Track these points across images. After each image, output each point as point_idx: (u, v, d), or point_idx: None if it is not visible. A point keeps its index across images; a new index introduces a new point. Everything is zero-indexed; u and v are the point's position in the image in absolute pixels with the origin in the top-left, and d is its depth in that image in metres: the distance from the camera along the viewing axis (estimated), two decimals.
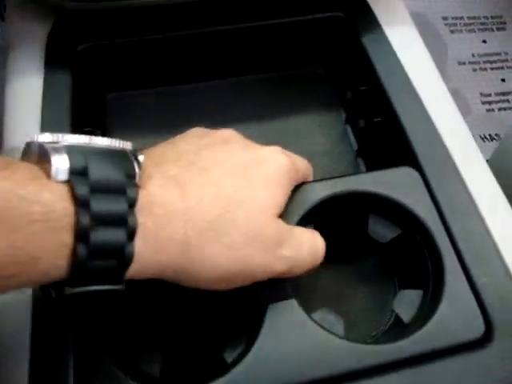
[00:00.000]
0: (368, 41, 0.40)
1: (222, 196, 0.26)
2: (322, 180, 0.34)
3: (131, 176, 0.24)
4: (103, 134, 0.42)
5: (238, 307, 0.33)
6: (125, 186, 0.23)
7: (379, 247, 0.35)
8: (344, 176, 0.34)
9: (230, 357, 0.30)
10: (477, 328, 0.29)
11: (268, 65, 0.45)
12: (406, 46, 0.40)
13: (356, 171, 0.41)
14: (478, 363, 0.28)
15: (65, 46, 0.39)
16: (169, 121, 0.43)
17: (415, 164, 0.35)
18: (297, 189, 0.32)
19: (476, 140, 0.74)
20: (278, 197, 0.28)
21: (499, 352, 0.28)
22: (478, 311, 0.29)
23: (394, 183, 0.34)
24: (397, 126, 0.37)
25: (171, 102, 0.44)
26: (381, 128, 0.39)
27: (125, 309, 0.31)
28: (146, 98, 0.44)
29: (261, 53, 0.44)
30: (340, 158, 0.42)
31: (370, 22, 0.41)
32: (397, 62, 0.39)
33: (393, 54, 0.39)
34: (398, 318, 0.32)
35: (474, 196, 0.33)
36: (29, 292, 0.29)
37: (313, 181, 0.34)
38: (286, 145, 0.43)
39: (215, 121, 0.43)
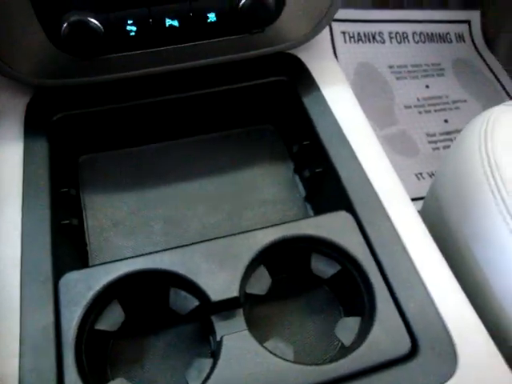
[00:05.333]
0: (308, 101, 0.46)
1: None
2: (269, 226, 0.39)
3: None
4: (77, 193, 0.46)
5: (200, 338, 0.37)
6: None
7: (323, 282, 0.40)
8: (289, 222, 0.39)
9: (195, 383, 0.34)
10: (404, 345, 0.34)
11: (226, 124, 0.51)
12: (340, 103, 0.46)
13: (305, 215, 0.47)
14: (407, 375, 0.33)
15: (41, 116, 0.44)
16: (136, 177, 0.49)
17: (350, 208, 0.40)
18: (247, 234, 0.38)
19: (425, 177, 0.81)
20: None
21: (424, 364, 0.33)
22: (404, 331, 0.35)
23: (331, 226, 0.39)
24: (334, 175, 0.42)
25: (138, 160, 0.50)
26: (322, 177, 0.45)
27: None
28: (114, 158, 0.50)
29: (219, 114, 0.50)
30: (290, 204, 0.48)
31: (309, 84, 0.47)
32: (333, 118, 0.45)
33: (329, 111, 0.45)
34: (342, 344, 0.37)
35: (401, 234, 0.39)
36: None
37: (261, 227, 0.39)
38: (243, 195, 0.48)
39: (179, 176, 0.49)
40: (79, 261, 0.43)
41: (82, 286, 0.36)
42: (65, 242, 0.41)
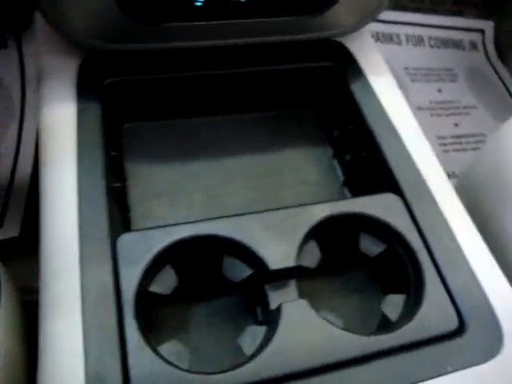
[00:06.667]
0: (355, 88, 0.47)
1: None
2: (323, 202, 0.40)
3: None
4: (121, 159, 0.47)
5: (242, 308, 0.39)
6: None
7: (368, 261, 0.41)
8: (340, 200, 0.41)
9: (249, 349, 0.35)
10: (452, 322, 0.36)
11: (264, 105, 0.52)
12: (386, 92, 0.48)
13: (342, 198, 0.48)
14: (456, 349, 0.34)
15: (94, 79, 0.44)
16: (178, 149, 0.49)
17: (397, 190, 0.42)
18: (303, 208, 0.39)
19: None
20: None
21: (471, 340, 0.35)
22: (452, 308, 0.36)
23: (380, 206, 0.40)
24: (381, 159, 0.43)
25: (179, 132, 0.50)
26: (366, 161, 0.46)
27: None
28: (156, 128, 0.50)
29: (259, 94, 0.51)
30: (329, 187, 0.49)
31: (356, 72, 0.48)
32: (379, 106, 0.46)
33: (376, 99, 0.47)
34: (385, 319, 0.38)
35: (446, 216, 0.40)
36: None
37: (316, 202, 0.40)
38: (278, 174, 0.49)
39: (219, 151, 0.50)
40: (123, 226, 0.43)
41: (141, 246, 0.36)
42: (114, 206, 0.41)
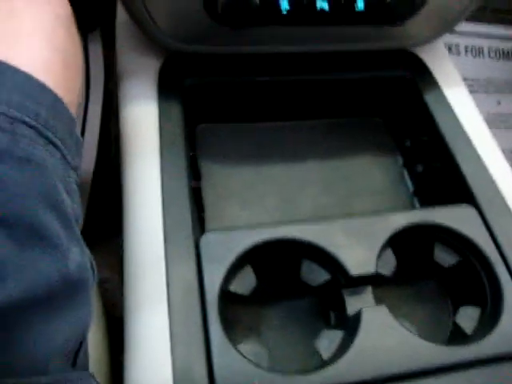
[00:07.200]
0: (429, 99, 0.47)
1: None
2: (400, 211, 0.40)
3: None
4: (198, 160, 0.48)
5: (327, 309, 0.39)
6: None
7: (440, 271, 0.41)
8: (416, 209, 0.41)
9: (326, 353, 0.35)
10: None
11: (336, 112, 0.53)
12: (460, 103, 0.48)
13: (414, 208, 0.48)
14: None
15: (175, 80, 0.45)
16: (251, 152, 0.50)
17: (472, 202, 0.41)
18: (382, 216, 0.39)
19: None
20: None
21: None
22: None
23: (457, 217, 0.40)
24: (456, 170, 0.43)
25: (253, 136, 0.51)
26: (439, 172, 0.46)
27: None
28: (230, 131, 0.51)
29: (332, 101, 0.52)
30: (397, 195, 0.49)
31: (431, 82, 0.48)
32: (454, 116, 0.46)
33: (450, 109, 0.47)
34: (458, 331, 0.38)
35: None
36: None
37: (394, 211, 0.40)
38: (348, 181, 0.50)
39: (290, 156, 0.50)
40: (199, 225, 0.44)
41: (224, 246, 0.37)
42: (193, 205, 0.42)
